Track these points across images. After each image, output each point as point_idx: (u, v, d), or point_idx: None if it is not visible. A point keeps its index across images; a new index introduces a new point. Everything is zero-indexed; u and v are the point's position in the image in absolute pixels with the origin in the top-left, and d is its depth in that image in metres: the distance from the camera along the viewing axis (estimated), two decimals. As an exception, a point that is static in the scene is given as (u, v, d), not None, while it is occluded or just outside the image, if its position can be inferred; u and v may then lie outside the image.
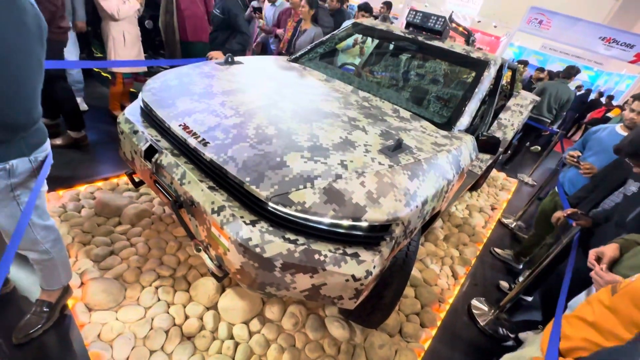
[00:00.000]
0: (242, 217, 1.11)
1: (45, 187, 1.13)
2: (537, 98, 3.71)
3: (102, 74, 4.10)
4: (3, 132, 0.89)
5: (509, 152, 5.07)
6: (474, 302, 2.15)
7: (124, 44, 2.86)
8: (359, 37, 3.30)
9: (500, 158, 4.87)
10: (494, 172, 4.59)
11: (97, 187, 2.20)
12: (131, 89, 3.36)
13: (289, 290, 1.13)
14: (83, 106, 3.17)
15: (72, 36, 2.80)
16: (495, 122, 3.33)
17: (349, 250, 1.10)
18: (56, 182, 2.09)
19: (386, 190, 1.17)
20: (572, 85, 7.99)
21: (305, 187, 1.11)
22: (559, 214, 1.85)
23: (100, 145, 2.70)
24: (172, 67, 2.08)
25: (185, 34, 3.27)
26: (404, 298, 2.01)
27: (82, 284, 1.58)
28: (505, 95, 3.61)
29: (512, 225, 3.31)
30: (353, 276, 1.10)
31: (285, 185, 1.10)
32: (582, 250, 1.59)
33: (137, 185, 1.71)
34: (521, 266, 2.66)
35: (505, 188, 4.27)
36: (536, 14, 8.66)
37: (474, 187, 3.68)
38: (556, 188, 2.37)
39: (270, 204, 1.09)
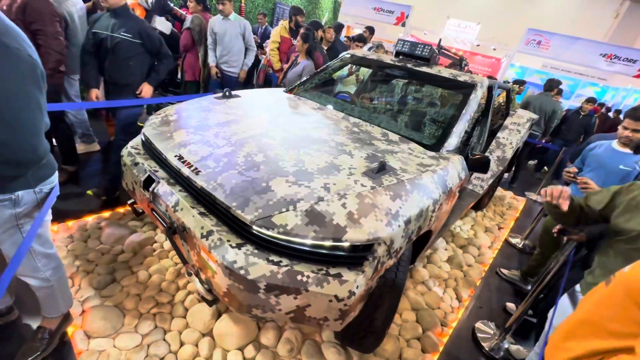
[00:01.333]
0: (228, 240, 1.16)
1: (49, 217, 1.22)
2: (534, 116, 3.75)
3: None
4: (13, 169, 0.99)
5: (512, 170, 5.02)
6: (479, 324, 2.07)
7: None
8: (352, 66, 3.46)
9: (504, 177, 4.84)
10: (500, 191, 4.54)
11: (104, 217, 2.31)
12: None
13: (275, 312, 1.15)
14: (95, 147, 3.30)
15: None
16: (494, 141, 3.37)
17: (332, 271, 1.13)
18: (66, 214, 2.21)
19: (367, 211, 1.21)
20: (579, 102, 7.94)
21: (287, 210, 1.16)
22: (555, 228, 1.83)
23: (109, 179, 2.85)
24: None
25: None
26: (405, 322, 1.97)
27: (83, 311, 1.63)
28: (502, 114, 3.66)
29: (520, 245, 3.23)
30: (336, 296, 1.11)
31: (268, 209, 1.16)
32: (581, 267, 1.56)
33: (139, 214, 1.80)
34: (529, 287, 2.57)
35: (513, 207, 4.20)
36: (534, 35, 8.86)
37: (478, 207, 3.64)
38: None
39: (254, 227, 1.14)
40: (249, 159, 1.40)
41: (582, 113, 5.03)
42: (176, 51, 3.86)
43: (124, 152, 1.72)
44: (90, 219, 2.26)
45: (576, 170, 2.25)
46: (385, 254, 1.21)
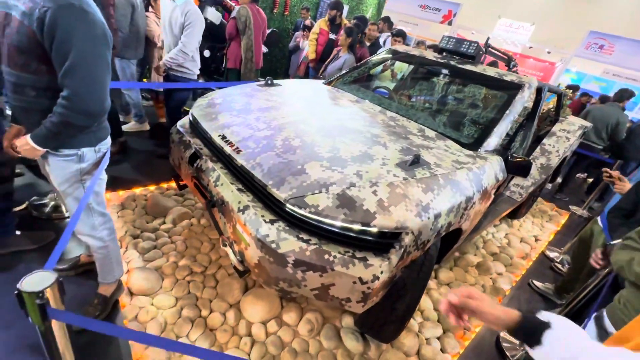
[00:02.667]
0: (263, 216, 1.23)
1: (104, 176, 1.38)
2: (588, 124, 3.48)
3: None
4: (83, 119, 1.11)
5: (558, 180, 4.70)
6: (504, 334, 2.01)
7: None
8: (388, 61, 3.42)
9: (546, 187, 4.54)
10: (542, 202, 4.28)
11: (149, 190, 2.51)
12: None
13: (300, 287, 1.21)
14: (146, 126, 3.59)
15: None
16: (539, 147, 3.18)
17: (358, 254, 1.17)
18: (119, 183, 2.44)
19: (398, 200, 1.22)
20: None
21: (320, 192, 1.21)
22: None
23: (156, 154, 3.08)
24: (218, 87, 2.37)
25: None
26: (426, 320, 1.96)
27: (128, 270, 1.81)
28: (550, 120, 3.44)
29: (559, 259, 3.04)
30: (360, 279, 1.15)
31: (302, 189, 1.22)
32: (611, 290, 1.44)
33: (181, 188, 1.94)
34: (563, 301, 2.43)
35: (554, 220, 3.95)
36: (596, 38, 8.17)
37: (515, 215, 3.47)
38: (599, 217, 2.18)
39: (287, 205, 1.20)
40: (286, 143, 1.47)
41: None
42: (223, 41, 4.04)
43: (173, 130, 1.86)
44: (138, 191, 2.47)
45: (617, 174, 2.01)
46: (412, 244, 1.23)
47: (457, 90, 2.66)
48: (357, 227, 1.16)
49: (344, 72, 2.82)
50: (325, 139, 1.53)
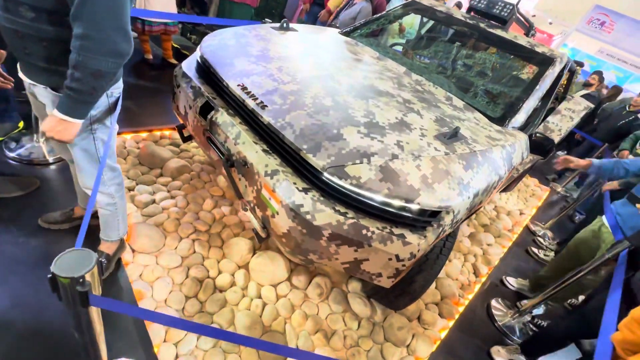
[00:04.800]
0: (294, 183, 1.12)
1: (116, 126, 1.17)
2: (592, 105, 3.49)
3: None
4: (116, 62, 0.89)
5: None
6: (494, 302, 2.14)
7: None
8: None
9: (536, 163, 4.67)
10: (526, 178, 4.43)
11: (141, 137, 2.27)
12: (173, 44, 3.40)
13: (331, 260, 1.16)
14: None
15: None
16: (542, 124, 3.18)
17: (396, 231, 1.11)
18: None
19: (441, 177, 1.15)
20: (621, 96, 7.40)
21: (361, 162, 1.10)
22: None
23: (145, 97, 2.76)
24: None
25: None
26: (425, 287, 2.03)
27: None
28: (557, 97, 3.41)
29: (541, 233, 3.23)
30: (397, 256, 1.11)
31: (341, 158, 1.10)
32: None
33: (185, 140, 1.75)
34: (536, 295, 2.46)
35: (536, 195, 4.13)
36: (599, 13, 8.00)
37: (506, 189, 3.57)
38: (605, 220, 1.95)
39: (325, 174, 1.09)
40: (317, 101, 1.32)
41: (628, 109, 4.04)
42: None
43: (178, 72, 1.62)
44: (128, 137, 2.23)
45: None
46: (450, 223, 1.19)
47: (484, 57, 2.50)
48: (398, 203, 1.09)
49: (360, 22, 2.55)
50: (357, 100, 1.39)
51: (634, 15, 7.55)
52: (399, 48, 2.94)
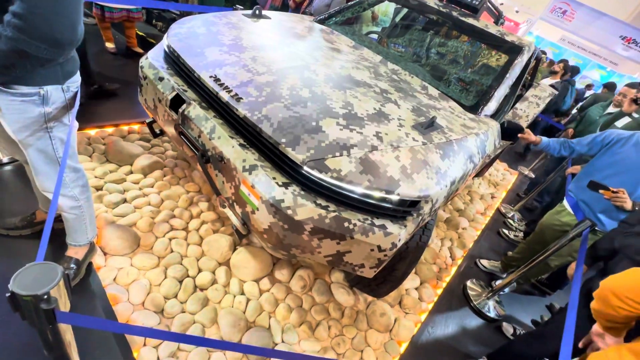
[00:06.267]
0: (274, 178, 1.10)
1: (76, 124, 1.08)
2: (556, 92, 3.67)
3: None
4: (48, 49, 0.81)
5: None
6: (469, 283, 2.24)
7: None
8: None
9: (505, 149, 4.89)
10: (496, 162, 4.63)
11: (107, 133, 2.14)
12: (138, 32, 3.19)
13: (314, 254, 1.16)
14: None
15: None
16: (511, 111, 3.31)
17: (377, 222, 1.12)
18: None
19: (419, 167, 1.17)
20: (582, 84, 7.86)
21: (341, 155, 1.09)
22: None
23: (110, 89, 2.59)
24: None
25: None
26: (405, 273, 2.09)
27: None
28: (524, 85, 3.55)
29: (510, 215, 3.40)
30: (379, 247, 1.12)
31: (321, 151, 1.09)
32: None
33: (156, 135, 1.66)
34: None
35: (506, 179, 4.33)
36: (561, 2, 8.34)
37: (479, 174, 3.71)
38: (566, 204, 2.00)
39: (305, 167, 1.08)
40: (294, 93, 1.28)
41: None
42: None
43: (144, 62, 1.52)
44: (92, 132, 2.09)
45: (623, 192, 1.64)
46: (429, 211, 1.21)
47: (457, 46, 2.54)
48: (379, 194, 1.09)
49: (334, 9, 2.50)
50: (335, 91, 1.37)
51: (592, 4, 7.94)
52: (375, 36, 2.93)
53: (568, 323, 1.09)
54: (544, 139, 2.08)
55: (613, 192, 1.56)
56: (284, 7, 4.24)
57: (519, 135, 1.89)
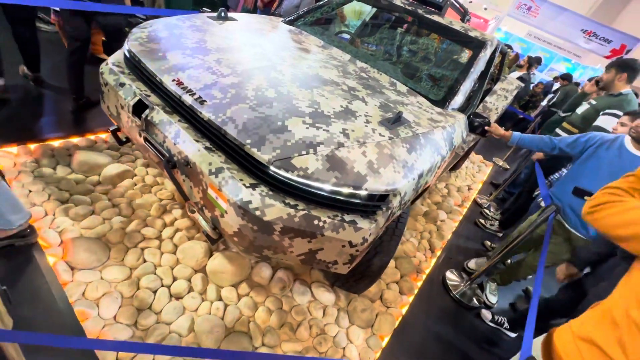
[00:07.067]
0: (241, 179, 1.09)
1: None
2: (522, 84, 3.82)
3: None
4: None
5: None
6: (448, 274, 2.29)
7: None
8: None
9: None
10: (472, 154, 4.76)
11: (72, 143, 2.06)
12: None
13: (286, 253, 1.15)
14: None
15: None
16: (481, 105, 3.41)
17: (347, 218, 1.13)
18: (26, 134, 1.94)
19: (386, 161, 1.18)
20: (551, 75, 8.23)
21: (307, 153, 1.10)
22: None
23: (72, 99, 2.49)
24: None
25: None
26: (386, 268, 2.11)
27: (61, 242, 1.51)
28: (492, 78, 3.67)
29: (486, 205, 3.51)
30: (350, 242, 1.13)
31: (287, 150, 1.09)
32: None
33: (122, 143, 1.62)
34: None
35: (482, 170, 4.46)
36: (526, -1, 8.67)
37: (454, 167, 3.81)
38: (543, 205, 1.92)
39: (271, 168, 1.07)
40: (259, 94, 1.27)
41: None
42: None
43: (104, 68, 1.47)
44: (56, 144, 2.00)
45: None
46: (398, 205, 1.23)
47: (424, 43, 2.60)
48: (347, 190, 1.10)
49: (302, 10, 2.51)
50: (302, 90, 1.37)
51: (555, 0, 8.31)
52: (347, 36, 2.95)
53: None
54: (515, 133, 2.00)
55: None
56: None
57: (486, 128, 1.90)
